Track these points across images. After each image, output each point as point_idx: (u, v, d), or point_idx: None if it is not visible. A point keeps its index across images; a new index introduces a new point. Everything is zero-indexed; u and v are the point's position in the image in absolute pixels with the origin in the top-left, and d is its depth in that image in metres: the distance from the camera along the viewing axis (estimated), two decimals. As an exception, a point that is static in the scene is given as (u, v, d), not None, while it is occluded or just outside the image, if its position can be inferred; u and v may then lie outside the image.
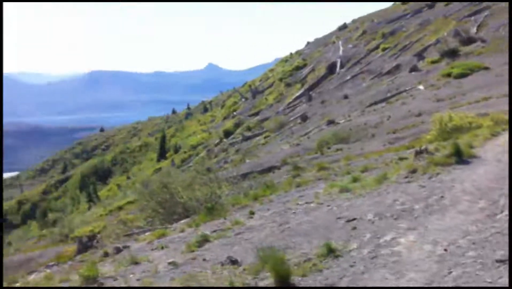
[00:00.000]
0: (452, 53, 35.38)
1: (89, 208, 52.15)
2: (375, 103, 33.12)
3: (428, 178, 8.59)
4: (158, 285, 5.59)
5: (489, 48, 33.50)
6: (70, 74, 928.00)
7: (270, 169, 21.61)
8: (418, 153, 10.39)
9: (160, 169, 51.25)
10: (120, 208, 30.68)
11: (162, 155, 67.15)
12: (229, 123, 58.46)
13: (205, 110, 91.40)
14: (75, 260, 9.66)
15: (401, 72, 38.96)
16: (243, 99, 67.79)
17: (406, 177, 8.99)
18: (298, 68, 61.02)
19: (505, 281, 4.31)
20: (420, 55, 40.07)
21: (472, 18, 41.00)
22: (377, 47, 49.28)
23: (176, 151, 64.43)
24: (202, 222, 9.33)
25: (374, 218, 6.77)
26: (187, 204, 11.69)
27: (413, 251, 5.35)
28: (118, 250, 8.57)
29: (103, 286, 6.07)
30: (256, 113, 56.23)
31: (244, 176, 18.10)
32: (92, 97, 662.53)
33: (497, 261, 4.75)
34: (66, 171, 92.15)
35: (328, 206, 8.19)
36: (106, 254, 8.50)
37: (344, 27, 68.18)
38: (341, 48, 55.48)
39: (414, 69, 37.01)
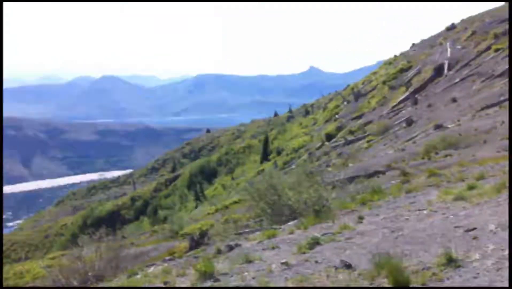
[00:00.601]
0: None
1: (196, 206, 54.34)
2: (487, 107, 31.12)
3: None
4: (273, 285, 5.73)
5: None
6: (179, 77, 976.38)
7: (374, 174, 21.16)
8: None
9: (263, 170, 52.10)
10: (226, 207, 31.63)
11: (265, 157, 68.18)
12: (331, 127, 57.99)
13: (307, 113, 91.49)
14: (189, 256, 10.17)
15: (516, 74, 36.20)
16: (345, 102, 66.93)
17: (529, 187, 8.41)
18: (402, 70, 58.99)
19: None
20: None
21: None
22: (488, 48, 46.24)
23: (279, 153, 65.10)
24: (310, 225, 9.41)
25: (496, 228, 6.41)
26: (295, 206, 11.82)
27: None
28: (230, 248, 8.90)
29: (219, 282, 6.35)
30: (359, 117, 55.22)
31: (349, 179, 17.88)
32: (199, 99, 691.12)
33: None
34: (175, 170, 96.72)
35: (443, 214, 7.91)
36: (218, 251, 8.86)
37: (452, 27, 64.86)
38: (449, 49, 52.79)
39: (532, 70, 34.24)
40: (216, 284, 6.22)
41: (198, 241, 12.60)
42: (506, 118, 24.45)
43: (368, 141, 41.86)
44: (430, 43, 64.36)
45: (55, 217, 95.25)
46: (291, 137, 70.43)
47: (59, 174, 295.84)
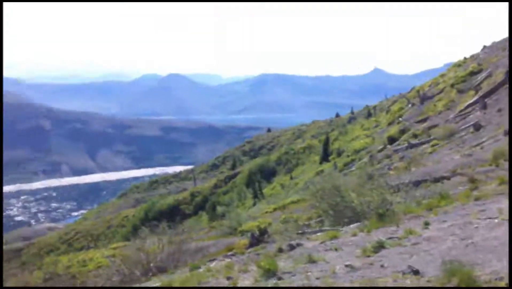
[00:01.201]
0: None
1: (254, 204, 54.63)
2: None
3: None
4: (339, 286, 5.69)
5: None
6: (242, 76, 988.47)
7: (439, 179, 20.51)
8: None
9: (322, 171, 51.66)
10: (284, 207, 31.63)
11: (324, 158, 67.55)
12: (393, 129, 56.62)
13: (369, 115, 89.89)
14: (250, 253, 10.26)
15: None
16: (410, 105, 65.18)
17: None
18: (472, 73, 56.63)
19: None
20: None
21: None
22: None
23: (339, 154, 64.34)
24: (373, 228, 9.26)
25: None
26: (358, 208, 11.66)
27: None
28: (291, 247, 8.92)
29: (283, 280, 6.36)
30: (424, 120, 53.58)
31: (414, 184, 17.42)
32: (261, 98, 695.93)
33: None
34: (235, 167, 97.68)
35: (517, 223, 7.55)
36: (280, 250, 8.90)
37: (527, 29, 61.64)
38: (522, 52, 50.24)
39: None
40: (280, 283, 6.24)
41: (258, 239, 12.69)
42: None
43: (432, 146, 40.60)
44: (502, 46, 61.56)
45: (118, 209, 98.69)
46: (352, 139, 69.41)
47: (123, 167, 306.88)
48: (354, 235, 8.94)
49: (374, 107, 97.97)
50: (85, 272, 22.63)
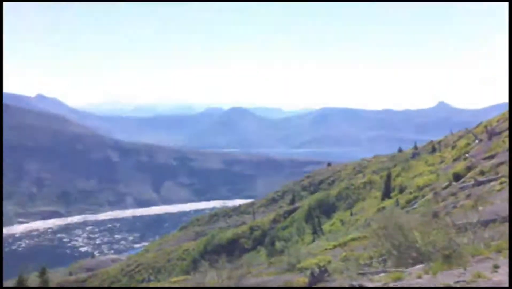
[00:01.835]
0: None
1: (313, 240, 53.88)
2: None
3: None
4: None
5: None
6: (303, 110, 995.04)
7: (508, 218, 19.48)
8: None
9: (383, 208, 50.40)
10: (344, 244, 30.96)
11: (386, 194, 65.92)
12: (459, 166, 54.54)
13: (433, 150, 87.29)
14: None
15: None
16: (476, 141, 62.85)
17: None
18: (545, 108, 54.21)
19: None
20: None
21: None
22: None
23: (401, 190, 62.62)
24: (439, 270, 8.92)
25: None
26: (422, 249, 11.26)
27: None
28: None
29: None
30: (491, 157, 51.39)
31: (483, 223, 16.65)
32: (322, 132, 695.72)
33: None
34: (294, 202, 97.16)
35: None
36: (340, 290, 8.74)
37: None
38: None
39: None
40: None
41: (318, 277, 12.50)
42: None
43: (501, 183, 38.76)
44: None
45: (178, 241, 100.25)
46: (415, 175, 67.44)
47: (186, 199, 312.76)
48: (419, 277, 8.64)
49: (439, 142, 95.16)
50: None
